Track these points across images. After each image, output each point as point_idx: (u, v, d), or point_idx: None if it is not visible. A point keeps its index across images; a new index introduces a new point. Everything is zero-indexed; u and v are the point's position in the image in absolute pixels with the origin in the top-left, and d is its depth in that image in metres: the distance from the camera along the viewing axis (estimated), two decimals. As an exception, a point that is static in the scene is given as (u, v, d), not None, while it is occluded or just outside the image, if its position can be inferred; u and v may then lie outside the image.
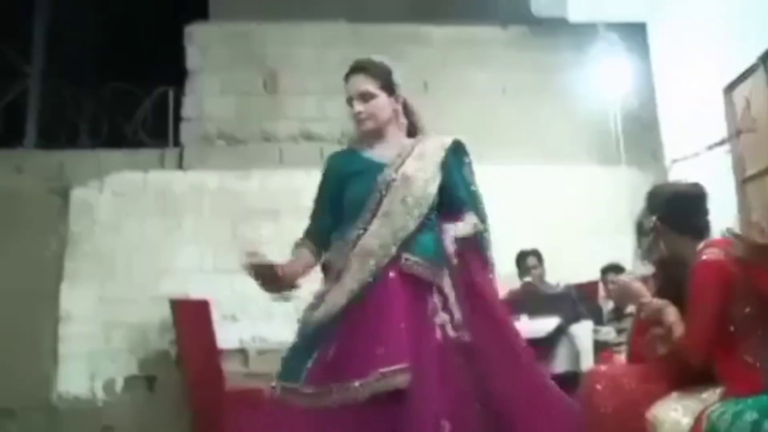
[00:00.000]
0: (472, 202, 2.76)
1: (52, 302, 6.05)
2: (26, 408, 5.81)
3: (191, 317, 5.69)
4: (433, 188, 2.69)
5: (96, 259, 6.18)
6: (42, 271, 6.11)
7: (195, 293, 5.93)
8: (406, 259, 2.61)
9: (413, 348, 2.45)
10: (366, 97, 2.74)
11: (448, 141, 2.78)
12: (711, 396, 2.48)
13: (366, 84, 2.74)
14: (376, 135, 2.78)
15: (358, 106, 2.74)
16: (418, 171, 2.68)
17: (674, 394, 2.62)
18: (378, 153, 2.76)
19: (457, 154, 2.78)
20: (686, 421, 2.41)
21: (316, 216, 2.84)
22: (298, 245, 2.82)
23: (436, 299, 2.59)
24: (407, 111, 2.84)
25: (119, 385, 6.06)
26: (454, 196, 2.74)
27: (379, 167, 2.70)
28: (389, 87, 2.77)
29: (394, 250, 2.59)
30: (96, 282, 6.13)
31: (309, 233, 2.83)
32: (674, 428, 2.43)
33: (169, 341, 5.95)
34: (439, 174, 2.71)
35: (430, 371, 2.44)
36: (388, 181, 2.66)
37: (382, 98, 2.75)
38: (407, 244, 2.61)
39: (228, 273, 6.15)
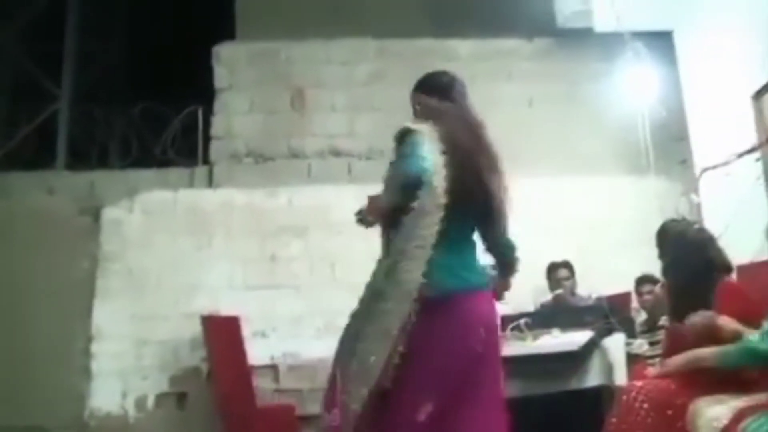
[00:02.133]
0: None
1: (84, 320, 6.12)
2: (59, 425, 5.86)
3: (222, 334, 5.72)
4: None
5: (127, 277, 6.24)
6: (74, 290, 6.18)
7: (225, 310, 5.98)
8: None
9: None
10: None
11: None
12: (749, 401, 2.45)
13: None
14: None
15: None
16: None
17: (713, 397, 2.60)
18: None
19: (399, 141, 2.75)
20: (724, 416, 2.39)
21: None
22: None
23: None
24: (418, 111, 2.96)
25: (150, 402, 6.09)
26: None
27: None
28: (412, 104, 3.01)
29: None
30: (127, 300, 6.18)
31: None
32: (709, 424, 2.41)
33: (200, 358, 5.98)
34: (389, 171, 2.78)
35: None
36: None
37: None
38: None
39: (258, 289, 6.20)
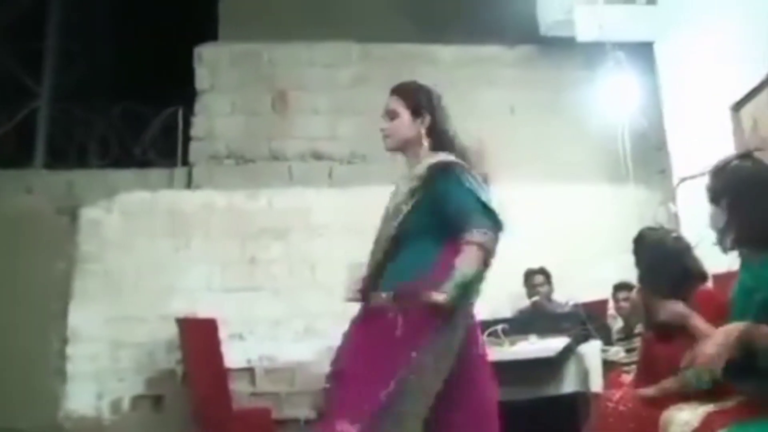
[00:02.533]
0: (468, 224, 2.56)
1: (60, 321, 6.06)
2: (33, 427, 5.78)
3: (198, 336, 5.69)
4: (402, 214, 2.64)
5: (104, 279, 6.19)
6: (50, 291, 6.12)
7: (203, 312, 5.94)
8: (373, 294, 2.61)
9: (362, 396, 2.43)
10: (391, 115, 2.80)
11: (432, 162, 2.70)
12: (717, 406, 2.46)
13: (393, 104, 2.81)
14: (402, 153, 2.82)
15: (382, 124, 2.81)
16: (396, 196, 2.70)
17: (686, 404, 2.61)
18: (402, 176, 2.79)
19: (443, 176, 2.66)
20: (694, 420, 2.40)
21: None
22: None
23: (400, 335, 2.48)
24: (435, 131, 2.79)
25: (126, 404, 6.04)
26: (451, 222, 2.60)
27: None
28: (416, 108, 2.79)
29: (371, 283, 2.63)
30: (104, 301, 6.13)
31: None
32: (679, 429, 2.43)
33: (176, 360, 5.94)
34: (412, 198, 2.65)
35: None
36: (386, 212, 2.73)
37: (405, 118, 2.78)
38: (380, 276, 2.63)
39: (236, 292, 6.17)
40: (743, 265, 2.35)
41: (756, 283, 2.23)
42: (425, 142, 2.78)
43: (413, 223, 2.64)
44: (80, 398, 5.98)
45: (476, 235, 2.51)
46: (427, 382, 2.44)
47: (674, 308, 2.75)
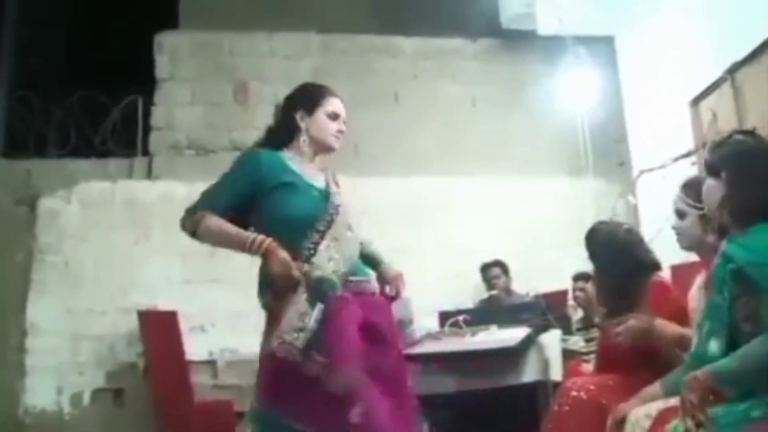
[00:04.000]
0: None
1: (18, 314, 5.96)
2: (-7, 424, 5.72)
3: (159, 329, 5.64)
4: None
5: (63, 270, 6.10)
6: (8, 283, 6.02)
7: (163, 304, 5.88)
8: (352, 280, 2.72)
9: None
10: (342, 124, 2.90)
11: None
12: (672, 402, 2.48)
13: (345, 113, 2.92)
14: (315, 156, 2.87)
15: (344, 127, 2.88)
16: (337, 194, 2.82)
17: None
18: (308, 174, 2.80)
19: None
20: (647, 417, 2.41)
21: (223, 195, 2.76)
22: (207, 216, 2.74)
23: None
24: None
25: (86, 398, 5.97)
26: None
27: (320, 190, 2.77)
28: None
29: (347, 275, 2.70)
30: (63, 293, 6.04)
31: (212, 208, 2.75)
32: (633, 427, 2.44)
33: (137, 353, 5.89)
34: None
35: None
36: (337, 206, 2.74)
37: None
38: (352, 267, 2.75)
39: (197, 284, 6.12)
40: (728, 237, 2.35)
41: (738, 252, 2.20)
42: None
43: None
44: (40, 392, 5.90)
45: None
46: None
47: (635, 326, 2.76)
